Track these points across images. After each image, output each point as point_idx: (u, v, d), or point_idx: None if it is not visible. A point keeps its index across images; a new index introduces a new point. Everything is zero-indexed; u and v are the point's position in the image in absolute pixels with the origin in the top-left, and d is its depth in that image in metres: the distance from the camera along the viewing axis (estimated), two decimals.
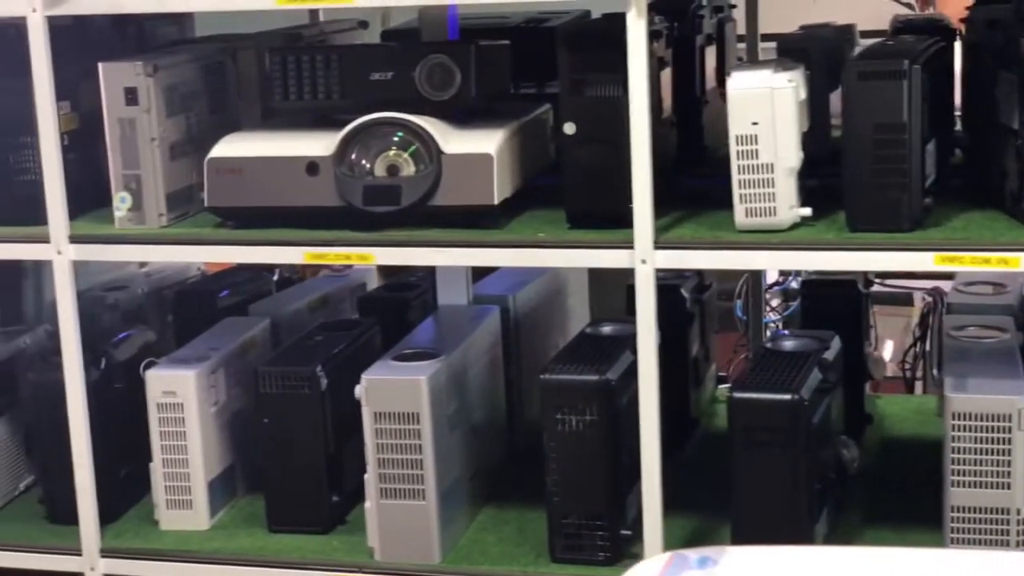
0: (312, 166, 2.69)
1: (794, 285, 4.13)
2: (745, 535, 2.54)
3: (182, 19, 3.58)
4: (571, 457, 2.67)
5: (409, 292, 3.36)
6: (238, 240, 2.71)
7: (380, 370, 2.76)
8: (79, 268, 3.57)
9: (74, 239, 2.79)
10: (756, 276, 3.62)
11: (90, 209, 2.88)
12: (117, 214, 2.82)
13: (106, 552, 2.90)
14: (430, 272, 3.41)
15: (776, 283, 4.49)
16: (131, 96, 2.76)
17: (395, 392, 2.71)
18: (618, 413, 2.66)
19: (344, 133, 2.67)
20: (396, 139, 2.67)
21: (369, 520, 2.78)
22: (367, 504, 2.78)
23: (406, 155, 2.67)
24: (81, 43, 3.00)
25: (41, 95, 2.72)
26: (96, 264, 3.67)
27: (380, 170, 2.67)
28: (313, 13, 3.65)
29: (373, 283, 3.70)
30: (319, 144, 2.70)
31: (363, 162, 2.68)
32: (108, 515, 2.95)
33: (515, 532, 2.88)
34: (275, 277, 3.66)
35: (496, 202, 2.62)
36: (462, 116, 2.73)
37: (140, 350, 3.12)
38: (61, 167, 2.76)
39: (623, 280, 2.70)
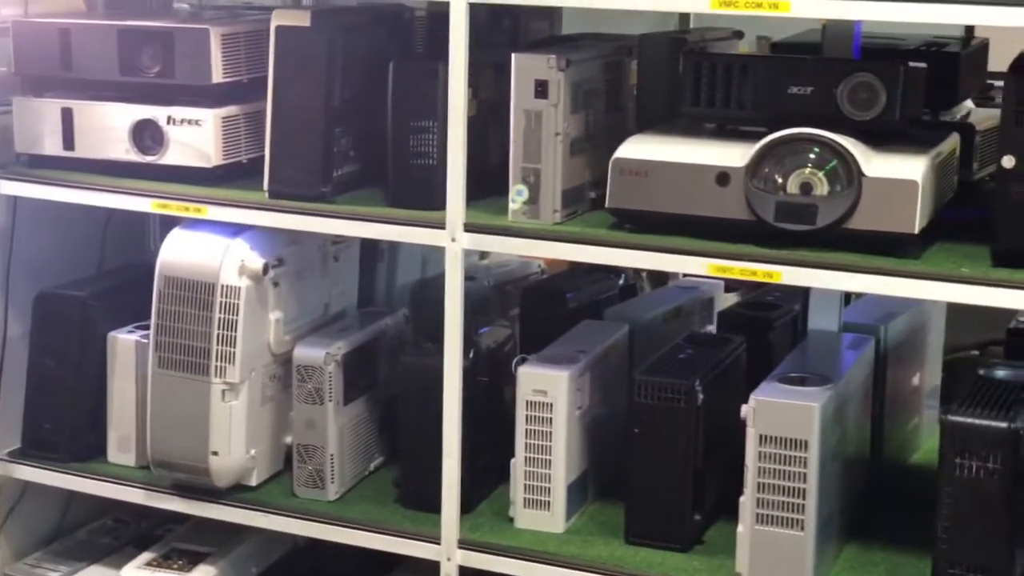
0: (723, 176, 2.62)
1: None
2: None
3: (552, 15, 3.57)
4: (967, 504, 2.54)
5: (771, 312, 3.27)
6: (638, 244, 2.66)
7: (770, 392, 2.67)
8: (430, 254, 3.63)
9: (469, 228, 2.77)
10: None
11: (473, 199, 2.86)
12: (512, 206, 2.79)
13: (463, 543, 2.87)
14: (789, 293, 3.33)
15: None
16: (541, 89, 2.73)
17: (786, 416, 2.63)
18: (1021, 464, 2.53)
19: (761, 145, 2.60)
20: (812, 156, 2.58)
21: (740, 544, 2.70)
22: (740, 528, 2.70)
23: (821, 174, 2.58)
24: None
25: (455, 81, 2.71)
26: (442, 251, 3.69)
27: (793, 187, 2.59)
28: (684, 18, 3.59)
29: (719, 298, 3.62)
30: (730, 154, 2.63)
31: (775, 177, 2.60)
32: (463, 506, 2.92)
33: (886, 574, 2.76)
34: (620, 282, 3.62)
35: (917, 231, 2.51)
36: (879, 139, 2.63)
37: (499, 344, 3.10)
38: (464, 155, 2.73)
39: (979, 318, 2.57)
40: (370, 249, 3.44)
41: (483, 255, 3.84)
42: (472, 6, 2.68)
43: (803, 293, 3.32)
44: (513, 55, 2.74)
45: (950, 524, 2.57)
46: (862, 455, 3.00)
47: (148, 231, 3.62)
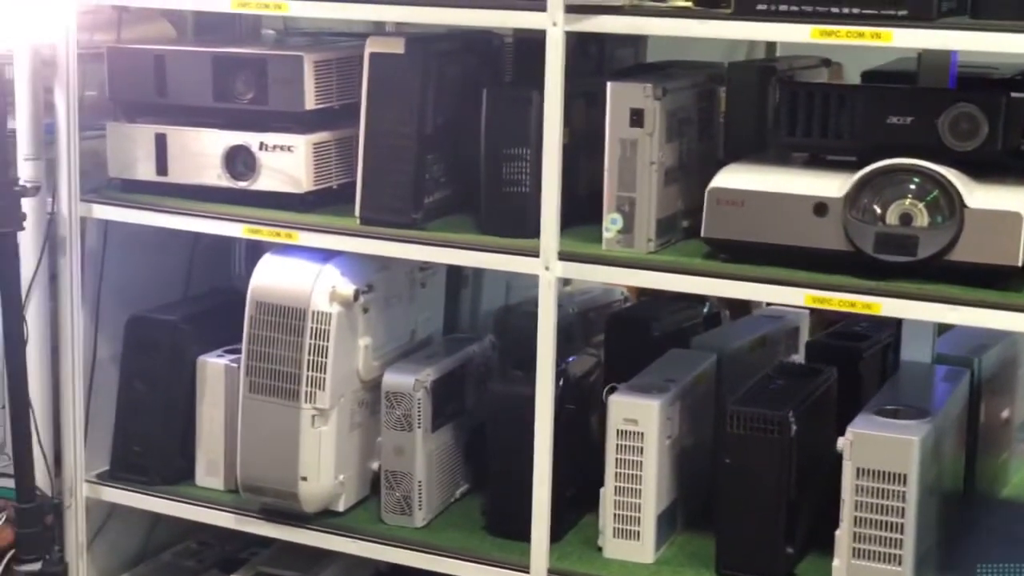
0: (821, 206, 2.60)
1: None
2: None
3: (638, 43, 3.56)
4: None
5: (860, 342, 3.23)
6: (735, 274, 2.64)
7: (867, 424, 2.65)
8: (513, 281, 3.62)
9: (563, 256, 2.76)
10: None
11: (563, 227, 2.84)
12: (606, 235, 2.78)
13: (553, 572, 2.86)
14: (878, 323, 3.30)
15: None
16: (636, 117, 2.72)
17: (884, 449, 2.60)
18: None
19: (860, 175, 2.57)
20: (913, 187, 2.56)
21: None
22: (836, 562, 2.67)
23: (922, 205, 2.55)
24: None
25: (551, 109, 2.71)
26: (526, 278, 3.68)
27: (892, 218, 2.56)
28: (771, 46, 3.56)
29: (805, 328, 3.59)
30: (828, 184, 2.61)
31: (875, 207, 2.57)
32: (552, 535, 2.90)
33: None
34: (704, 310, 3.59)
35: (1020, 263, 2.48)
36: (979, 170, 2.60)
37: (587, 372, 3.08)
38: (559, 183, 2.73)
39: None
40: (455, 276, 3.44)
41: (567, 281, 3.82)
42: (567, 34, 2.67)
43: (893, 323, 3.30)
44: (609, 83, 2.73)
45: None
46: (956, 489, 2.96)
47: (234, 257, 3.63)
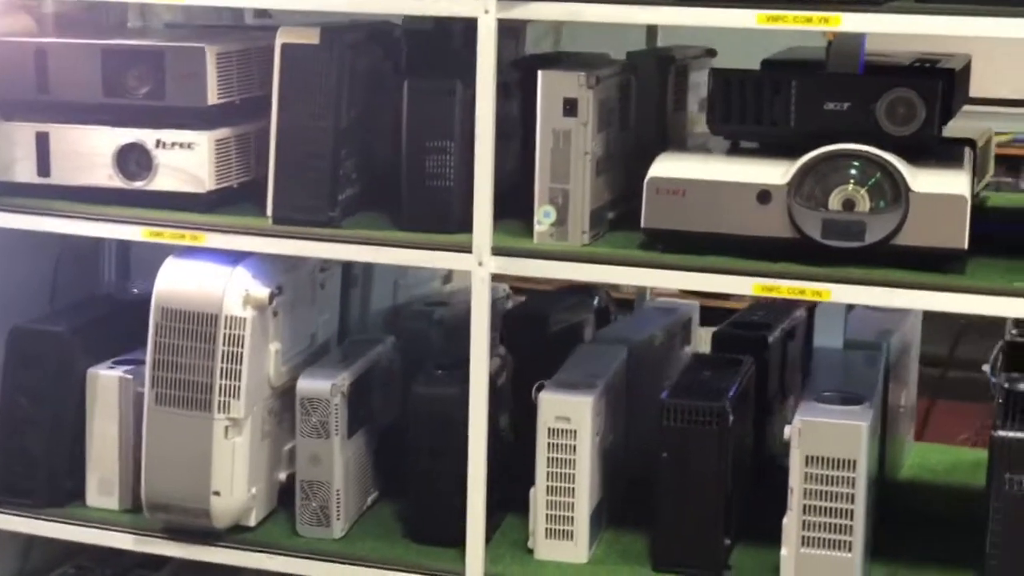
0: (764, 194, 2.58)
1: None
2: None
3: (519, 35, 3.49)
4: (1017, 521, 2.54)
5: (765, 331, 3.23)
6: (681, 265, 2.60)
7: (815, 412, 2.64)
8: (400, 280, 3.53)
9: (496, 251, 2.68)
10: None
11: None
12: (539, 228, 2.71)
13: None
14: (776, 312, 3.31)
15: None
16: (570, 107, 2.65)
17: (833, 436, 2.59)
18: None
19: (804, 162, 2.56)
20: (854, 172, 2.56)
21: (784, 568, 2.66)
22: (783, 551, 2.66)
23: (864, 191, 2.55)
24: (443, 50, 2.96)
25: (484, 100, 2.62)
26: (413, 277, 3.59)
27: (835, 203, 2.56)
28: (651, 37, 3.53)
29: (696, 319, 3.59)
30: (771, 171, 2.59)
31: (819, 193, 2.56)
32: None
33: None
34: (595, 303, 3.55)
35: (966, 246, 2.50)
36: (914, 154, 2.62)
37: (496, 371, 3.00)
38: (492, 176, 2.64)
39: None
40: (345, 276, 3.32)
41: (446, 280, 3.74)
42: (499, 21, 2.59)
43: (790, 311, 3.32)
44: (541, 72, 2.67)
45: (1000, 540, 2.56)
46: (879, 474, 2.98)
47: (102, 263, 3.44)
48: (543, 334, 3.28)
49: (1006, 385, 2.77)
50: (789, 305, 3.33)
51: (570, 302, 3.46)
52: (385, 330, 3.37)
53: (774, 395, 3.20)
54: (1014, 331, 3.18)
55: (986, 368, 4.61)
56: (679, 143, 3.04)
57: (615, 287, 3.62)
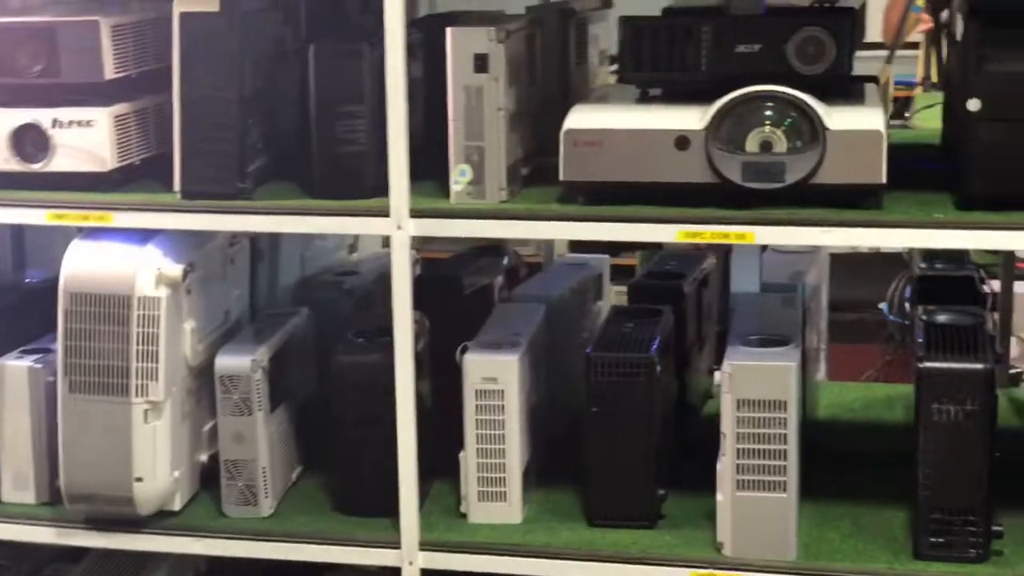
0: (682, 140, 2.56)
1: None
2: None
3: None
4: (947, 449, 2.57)
5: (680, 280, 3.23)
6: (604, 216, 2.58)
7: (743, 356, 2.64)
8: (307, 251, 3.47)
9: (414, 214, 2.63)
10: None
11: None
12: (455, 188, 2.67)
13: (425, 545, 2.74)
14: (686, 261, 3.31)
15: None
16: (480, 63, 2.62)
17: (764, 378, 2.60)
18: (995, 404, 2.57)
19: (720, 106, 2.55)
20: (769, 114, 2.55)
21: (720, 513, 2.66)
22: (719, 497, 2.66)
23: (780, 131, 2.55)
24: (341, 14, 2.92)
25: (393, 61, 2.57)
26: (319, 248, 3.53)
27: (753, 146, 2.55)
28: None
29: (607, 273, 3.58)
30: (687, 117, 2.58)
31: (737, 137, 2.56)
32: None
33: (853, 528, 2.77)
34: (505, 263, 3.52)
35: (884, 181, 2.52)
36: (826, 93, 2.62)
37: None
38: (406, 138, 2.60)
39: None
40: (252, 250, 3.25)
41: (352, 249, 3.69)
42: None
43: (701, 260, 3.32)
44: (449, 30, 2.62)
45: (932, 470, 2.59)
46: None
47: None
48: (456, 297, 3.24)
49: (924, 318, 2.79)
50: (698, 253, 3.34)
51: (480, 263, 3.42)
52: (295, 303, 3.31)
53: (691, 344, 3.20)
54: (923, 265, 3.21)
55: (883, 306, 4.70)
56: (583, 96, 3.01)
57: (523, 244, 3.59)
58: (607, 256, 3.57)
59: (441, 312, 3.12)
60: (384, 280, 3.48)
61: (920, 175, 2.75)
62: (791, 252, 3.12)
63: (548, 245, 3.58)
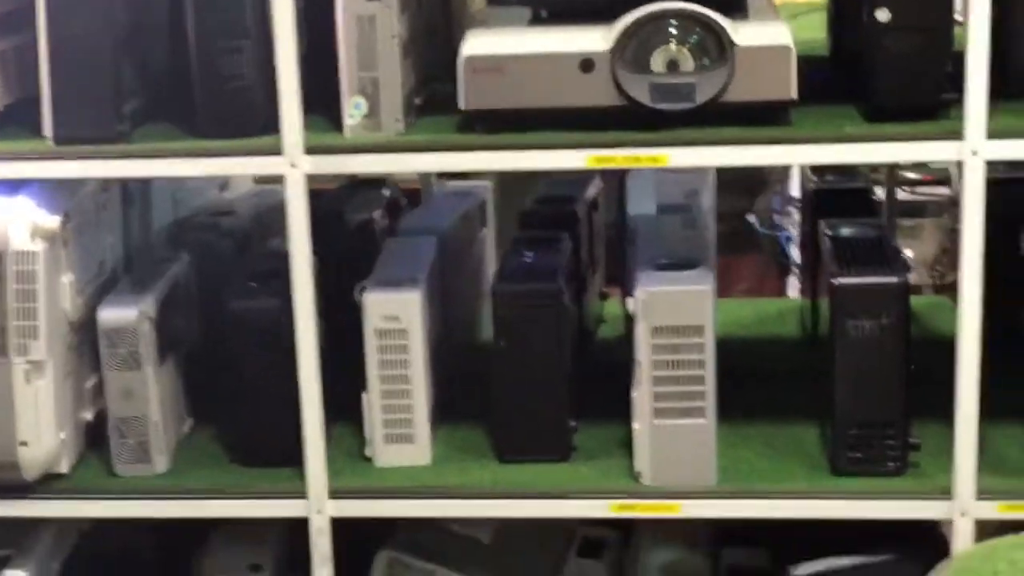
0: (587, 63, 2.47)
1: None
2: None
3: None
4: (863, 364, 2.55)
5: (571, 205, 3.15)
6: (506, 144, 2.48)
7: (656, 282, 2.57)
8: (179, 193, 3.31)
9: (309, 151, 2.50)
10: None
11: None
12: (349, 122, 2.54)
13: (334, 493, 2.64)
14: (573, 183, 3.24)
15: None
16: None
17: (679, 304, 2.54)
18: (910, 316, 2.56)
19: (624, 26, 2.47)
20: (674, 32, 2.48)
21: (638, 442, 2.61)
22: (636, 425, 2.61)
23: (686, 49, 2.47)
24: None
25: None
26: (191, 190, 3.38)
27: (659, 65, 2.48)
28: None
29: (491, 200, 3.49)
30: (589, 39, 2.49)
31: (642, 57, 2.47)
32: None
33: (766, 447, 2.74)
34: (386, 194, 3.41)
35: (794, 96, 2.46)
36: (728, 8, 2.55)
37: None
38: (297, 72, 2.46)
39: None
40: (122, 195, 3.09)
41: (223, 187, 3.54)
42: None
43: (587, 182, 3.25)
44: None
45: (849, 386, 2.57)
46: None
47: None
48: (340, 233, 3.12)
49: (829, 232, 2.76)
50: (584, 176, 3.27)
51: (360, 197, 3.31)
52: (171, 247, 3.15)
53: (586, 269, 3.14)
54: (815, 178, 3.18)
55: (752, 218, 4.69)
56: (469, 20, 2.90)
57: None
58: (488, 183, 3.48)
59: (327, 249, 3.01)
60: (262, 219, 3.38)
61: (814, 88, 2.70)
62: (685, 171, 3.05)
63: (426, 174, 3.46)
